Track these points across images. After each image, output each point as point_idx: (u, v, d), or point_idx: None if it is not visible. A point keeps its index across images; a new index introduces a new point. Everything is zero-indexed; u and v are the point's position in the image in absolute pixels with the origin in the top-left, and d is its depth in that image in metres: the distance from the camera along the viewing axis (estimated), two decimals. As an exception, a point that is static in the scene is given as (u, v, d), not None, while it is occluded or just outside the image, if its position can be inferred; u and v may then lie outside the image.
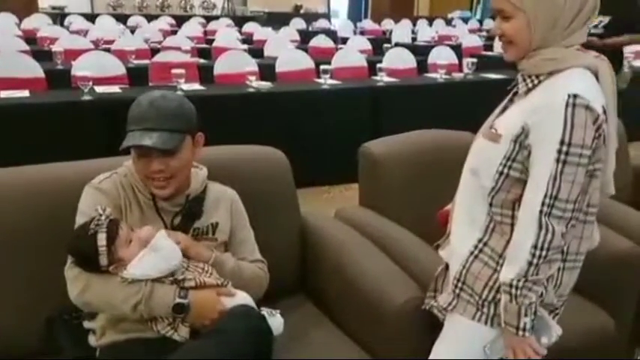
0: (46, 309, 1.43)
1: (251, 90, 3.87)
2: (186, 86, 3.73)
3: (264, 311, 1.42)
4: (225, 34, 7.06)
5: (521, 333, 1.14)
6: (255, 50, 5.90)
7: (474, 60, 4.86)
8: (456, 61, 5.50)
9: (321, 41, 6.69)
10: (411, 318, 1.46)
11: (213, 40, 6.65)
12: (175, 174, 1.38)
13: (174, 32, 7.60)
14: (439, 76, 4.65)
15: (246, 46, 6.07)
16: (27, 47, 5.23)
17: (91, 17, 9.33)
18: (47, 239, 1.45)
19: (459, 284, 1.24)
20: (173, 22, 9.40)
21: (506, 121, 1.16)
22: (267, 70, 4.56)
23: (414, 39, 8.53)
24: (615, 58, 3.06)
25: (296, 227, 1.85)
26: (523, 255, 1.10)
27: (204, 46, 6.58)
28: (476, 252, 1.22)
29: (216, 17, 11.03)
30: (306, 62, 4.88)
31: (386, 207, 1.99)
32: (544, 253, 1.09)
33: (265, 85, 3.99)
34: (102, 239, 1.30)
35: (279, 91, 3.97)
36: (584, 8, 1.11)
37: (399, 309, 1.47)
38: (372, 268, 1.63)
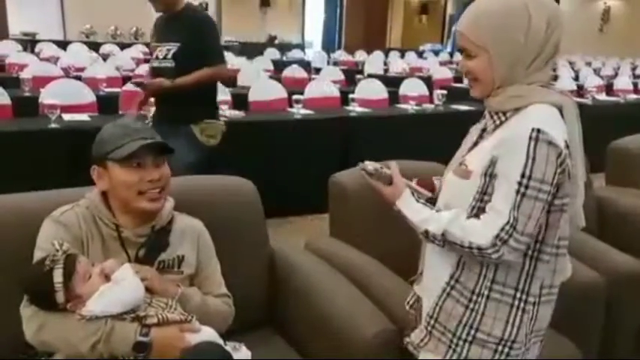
0: (1, 348, 1.36)
1: (222, 119, 3.85)
2: (157, 115, 3.70)
3: (229, 346, 1.38)
4: (199, 63, 7.06)
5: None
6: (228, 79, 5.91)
7: (444, 92, 4.97)
8: (427, 93, 5.60)
9: (294, 71, 6.76)
10: (381, 351, 1.45)
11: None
12: (165, 186, 1.40)
13: (147, 60, 7.57)
14: (410, 107, 4.74)
15: (219, 76, 6.07)
16: (-6, 74, 5.15)
17: (64, 44, 9.25)
18: (4, 274, 1.40)
19: (431, 321, 1.24)
20: (146, 50, 9.39)
21: (476, 156, 1.18)
22: (239, 100, 4.57)
23: (386, 70, 8.69)
24: None
25: (265, 258, 1.82)
26: (456, 236, 1.13)
27: (177, 74, 6.55)
28: (448, 289, 1.22)
29: (191, 46, 11.05)
30: (278, 92, 4.91)
31: (356, 238, 1.99)
32: (475, 253, 1.12)
33: (237, 114, 3.99)
34: (58, 276, 1.25)
35: (251, 120, 3.97)
36: (546, 46, 1.14)
37: (368, 342, 1.45)
38: (341, 300, 1.61)
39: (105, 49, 9.17)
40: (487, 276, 1.17)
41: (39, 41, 9.90)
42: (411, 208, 1.21)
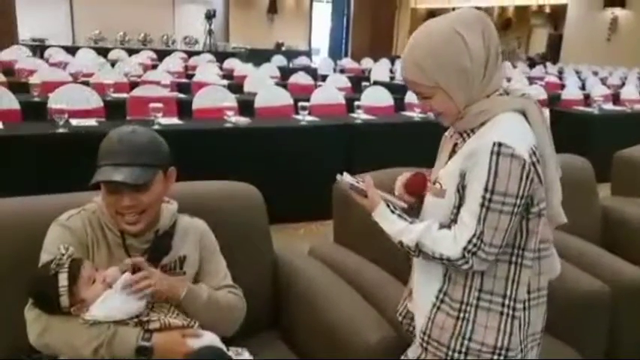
0: (4, 350, 1.38)
1: (229, 125, 3.88)
2: (163, 120, 3.73)
3: (232, 351, 1.39)
4: (206, 69, 7.12)
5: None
6: (235, 86, 5.95)
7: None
8: (432, 101, 5.59)
9: (300, 78, 6.78)
10: (384, 357, 1.45)
11: (193, 75, 6.70)
12: (147, 209, 1.36)
13: (155, 66, 7.64)
14: (415, 114, 4.74)
15: (226, 82, 6.12)
16: (3, 79, 5.19)
17: (73, 50, 9.33)
18: (10, 277, 1.41)
19: (425, 337, 1.24)
20: (154, 56, 9.46)
21: (449, 172, 1.18)
22: (246, 106, 4.59)
23: (392, 78, 8.70)
24: None
25: (269, 264, 1.83)
26: (431, 247, 1.15)
27: (184, 80, 6.61)
28: (438, 303, 1.22)
29: (198, 53, 11.14)
30: (285, 98, 4.93)
31: (360, 244, 1.99)
32: (447, 264, 1.15)
33: (243, 120, 4.01)
34: (63, 279, 1.27)
35: (257, 126, 3.99)
36: (489, 56, 1.14)
37: (371, 349, 1.45)
38: (344, 306, 1.61)
39: (113, 54, 9.24)
40: (474, 286, 1.18)
41: (48, 47, 9.99)
42: (387, 219, 1.22)
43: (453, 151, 1.23)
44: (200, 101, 4.49)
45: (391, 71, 9.45)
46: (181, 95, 5.29)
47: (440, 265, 1.20)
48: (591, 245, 2.17)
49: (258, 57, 10.61)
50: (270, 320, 1.80)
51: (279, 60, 10.33)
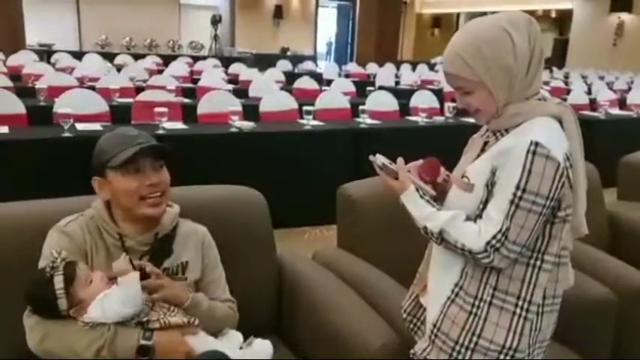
0: (5, 357, 1.37)
1: (233, 130, 3.88)
2: (168, 125, 3.74)
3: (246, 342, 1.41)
4: (211, 74, 7.14)
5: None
6: (240, 90, 5.96)
7: (455, 104, 4.95)
8: (437, 105, 5.59)
9: (305, 83, 6.79)
10: (387, 364, 1.44)
11: (199, 79, 6.72)
12: (166, 190, 1.41)
13: (161, 71, 7.67)
14: (420, 119, 4.73)
15: (231, 87, 6.14)
16: (10, 84, 5.23)
17: (79, 55, 9.40)
18: (12, 282, 1.41)
19: (435, 330, 1.24)
20: (160, 61, 9.51)
21: (478, 168, 1.18)
22: (251, 111, 4.60)
23: (397, 82, 8.71)
24: None
25: (272, 268, 1.82)
26: (454, 235, 1.15)
27: (189, 85, 6.64)
28: (452, 296, 1.22)
29: (204, 57, 11.19)
30: (289, 103, 4.93)
31: (364, 249, 1.98)
32: (468, 255, 1.14)
33: (248, 125, 4.01)
34: (59, 282, 1.26)
35: (262, 131, 3.99)
36: (533, 58, 1.15)
37: (374, 354, 1.44)
38: (347, 311, 1.61)
39: (119, 59, 9.30)
40: (489, 283, 1.18)
41: (55, 52, 10.06)
42: (415, 203, 1.22)
43: (483, 150, 1.24)
44: (205, 106, 4.51)
45: (396, 76, 9.45)
46: (186, 100, 5.31)
47: (459, 259, 1.21)
48: (597, 251, 2.15)
49: (263, 62, 10.66)
50: (273, 324, 1.79)
51: (284, 65, 10.35)
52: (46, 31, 12.09)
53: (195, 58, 10.51)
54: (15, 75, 6.32)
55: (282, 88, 6.12)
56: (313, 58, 14.64)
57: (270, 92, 5.26)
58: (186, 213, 1.53)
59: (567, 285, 1.27)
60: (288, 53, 14.94)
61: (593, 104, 6.58)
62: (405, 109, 5.46)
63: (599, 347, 1.83)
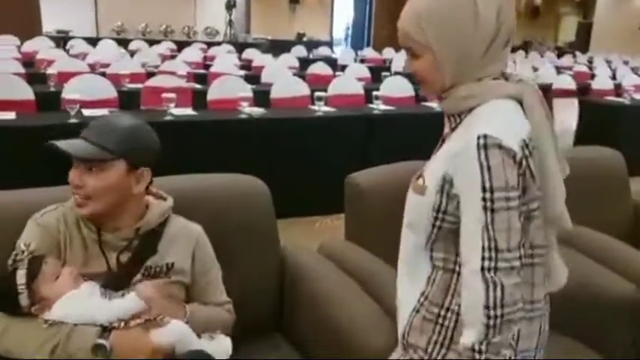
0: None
1: (243, 116, 3.80)
2: (176, 111, 3.66)
3: (203, 337, 1.30)
4: (224, 59, 7.05)
5: None
6: (253, 76, 5.87)
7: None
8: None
9: (319, 68, 6.66)
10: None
11: (212, 65, 6.64)
12: (92, 195, 1.26)
13: (174, 57, 7.61)
14: (436, 105, 4.59)
15: (243, 72, 6.05)
16: (22, 70, 5.20)
17: (95, 42, 9.38)
18: None
19: (404, 341, 1.13)
20: (174, 47, 9.44)
21: (431, 168, 1.06)
22: (262, 97, 4.51)
23: (414, 68, 8.51)
24: None
25: (274, 262, 1.74)
26: (478, 317, 0.98)
27: (202, 71, 6.56)
28: (418, 306, 1.11)
29: (219, 43, 11.10)
30: (301, 89, 4.82)
31: (371, 241, 1.88)
32: (499, 312, 0.96)
33: (258, 111, 3.92)
34: (21, 277, 1.20)
35: (272, 117, 3.90)
36: (497, 37, 1.02)
37: (379, 353, 1.35)
38: (352, 308, 1.52)
39: (134, 45, 9.25)
40: (457, 290, 1.05)
41: (72, 38, 10.06)
42: None
43: (441, 145, 1.11)
44: (215, 91, 4.43)
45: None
46: (198, 86, 5.24)
47: (425, 266, 1.09)
48: (621, 243, 2.03)
49: (278, 48, 10.52)
50: (276, 321, 1.72)
51: (298, 50, 10.22)
52: (63, 18, 12.10)
53: (210, 44, 10.42)
54: (29, 61, 6.30)
55: (295, 74, 6.00)
56: (329, 44, 14.45)
57: (281, 78, 5.15)
58: (182, 203, 1.45)
59: (554, 287, 1.14)
60: (304, 39, 14.77)
61: (617, 89, 6.37)
62: (420, 95, 5.32)
63: (621, 346, 1.71)
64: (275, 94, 4.66)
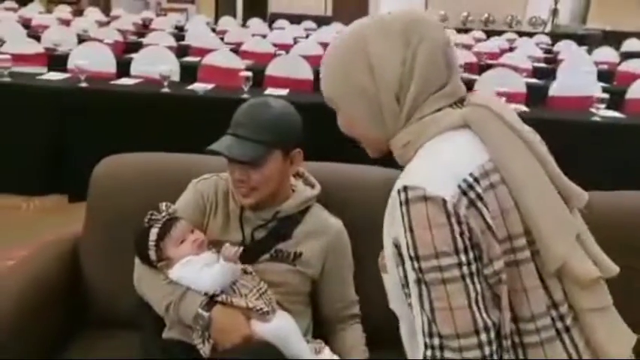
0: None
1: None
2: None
3: (311, 345, 1.29)
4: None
5: None
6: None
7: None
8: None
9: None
10: None
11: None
12: (257, 187, 1.32)
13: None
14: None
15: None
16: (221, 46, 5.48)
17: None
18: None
19: None
20: (514, 37, 9.09)
21: (385, 241, 0.90)
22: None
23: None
24: None
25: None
26: None
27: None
28: None
29: (531, 34, 10.26)
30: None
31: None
32: None
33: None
34: (153, 234, 1.32)
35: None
36: (414, 68, 0.86)
37: None
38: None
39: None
40: None
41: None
42: None
43: None
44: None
45: None
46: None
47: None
48: None
49: (613, 40, 9.10)
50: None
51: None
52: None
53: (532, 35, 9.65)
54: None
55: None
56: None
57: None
58: (327, 193, 1.44)
59: None
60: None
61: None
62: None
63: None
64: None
